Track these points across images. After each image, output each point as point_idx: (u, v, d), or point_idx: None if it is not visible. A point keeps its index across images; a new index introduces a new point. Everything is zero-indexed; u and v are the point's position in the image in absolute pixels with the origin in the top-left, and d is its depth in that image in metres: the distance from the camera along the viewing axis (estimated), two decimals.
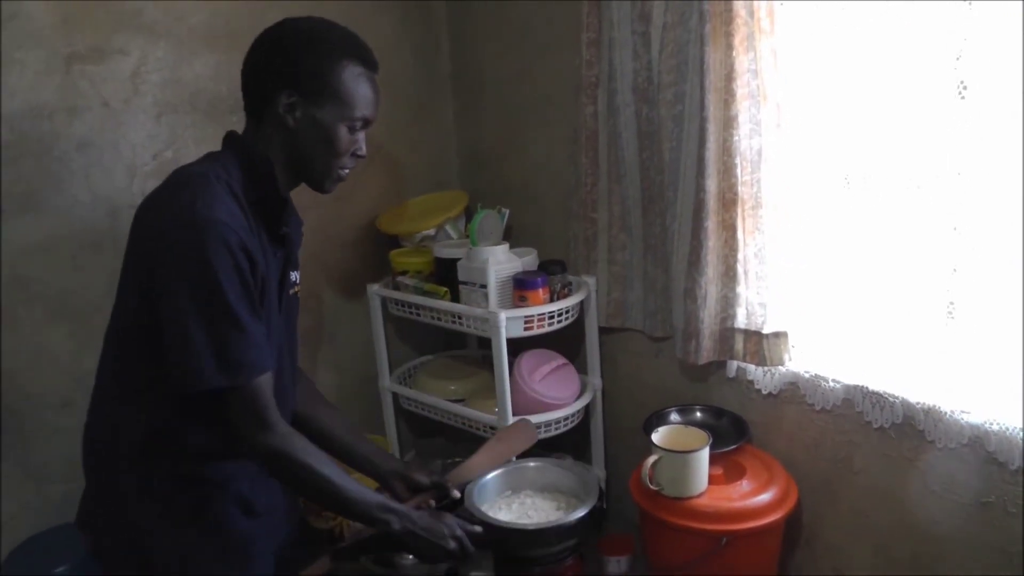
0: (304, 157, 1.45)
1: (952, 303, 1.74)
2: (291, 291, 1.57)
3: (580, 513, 1.76)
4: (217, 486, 1.46)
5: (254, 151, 1.45)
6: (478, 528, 1.61)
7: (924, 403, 1.75)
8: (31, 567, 1.99)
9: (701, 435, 1.93)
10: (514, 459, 1.94)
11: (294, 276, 1.58)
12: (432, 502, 1.70)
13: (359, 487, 1.47)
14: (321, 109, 1.42)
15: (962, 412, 1.69)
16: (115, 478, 1.45)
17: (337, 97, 1.42)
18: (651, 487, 1.91)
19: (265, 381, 1.36)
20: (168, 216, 1.32)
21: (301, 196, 1.57)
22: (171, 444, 1.41)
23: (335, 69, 1.42)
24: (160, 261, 1.31)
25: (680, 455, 1.88)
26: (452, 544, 1.52)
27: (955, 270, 1.72)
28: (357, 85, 1.45)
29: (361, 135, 1.49)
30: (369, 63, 1.48)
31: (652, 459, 1.91)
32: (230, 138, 1.50)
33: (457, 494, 1.74)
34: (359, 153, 1.50)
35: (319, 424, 1.71)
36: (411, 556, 1.59)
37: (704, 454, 1.89)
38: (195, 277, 1.28)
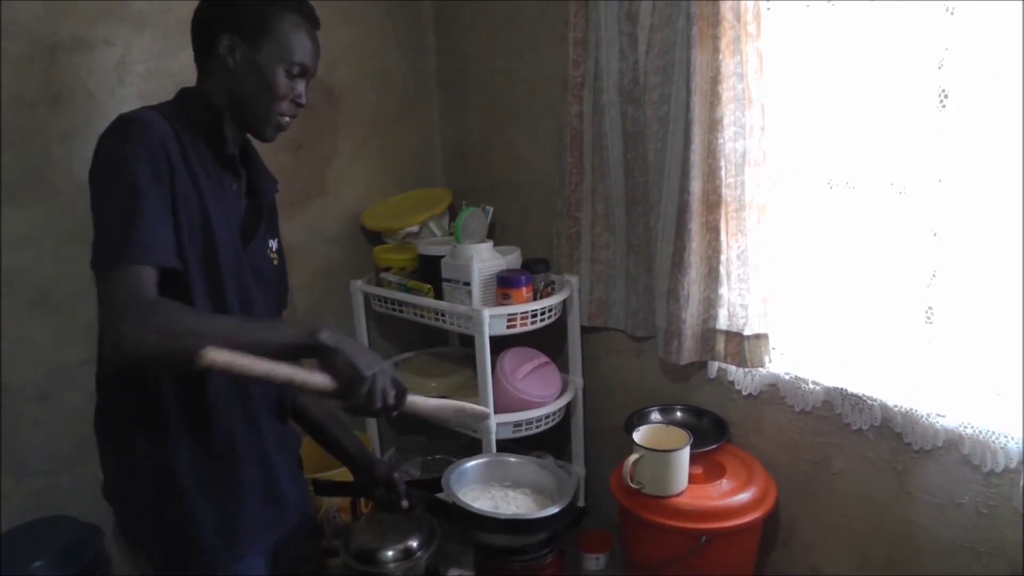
0: (244, 99, 1.48)
1: (931, 308, 1.76)
2: (267, 252, 1.59)
3: (557, 508, 1.76)
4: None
5: (190, 90, 1.50)
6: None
7: (901, 406, 1.77)
8: (12, 559, 1.98)
9: (682, 435, 1.95)
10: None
11: (272, 244, 1.61)
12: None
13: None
14: (260, 52, 1.45)
15: (937, 415, 1.71)
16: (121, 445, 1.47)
17: (275, 41, 1.46)
18: (632, 485, 1.93)
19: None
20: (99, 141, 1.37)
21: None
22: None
23: (275, 14, 1.47)
24: (90, 172, 1.33)
25: (661, 454, 1.90)
26: (369, 375, 1.31)
27: (934, 275, 1.74)
28: (296, 32, 1.48)
29: (301, 84, 1.51)
30: (310, 17, 1.52)
31: (633, 457, 1.92)
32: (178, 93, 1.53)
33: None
34: (299, 101, 1.52)
35: (309, 412, 1.78)
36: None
37: (684, 453, 1.91)
38: (107, 163, 1.31)
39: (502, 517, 1.76)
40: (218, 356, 1.19)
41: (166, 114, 1.41)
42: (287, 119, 1.53)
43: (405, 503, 1.88)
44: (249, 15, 1.45)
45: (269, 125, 1.51)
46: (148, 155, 1.31)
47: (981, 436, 1.64)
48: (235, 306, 1.47)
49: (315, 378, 1.31)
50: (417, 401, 1.46)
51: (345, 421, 1.81)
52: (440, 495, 1.80)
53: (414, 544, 2.29)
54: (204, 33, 1.48)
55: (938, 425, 1.71)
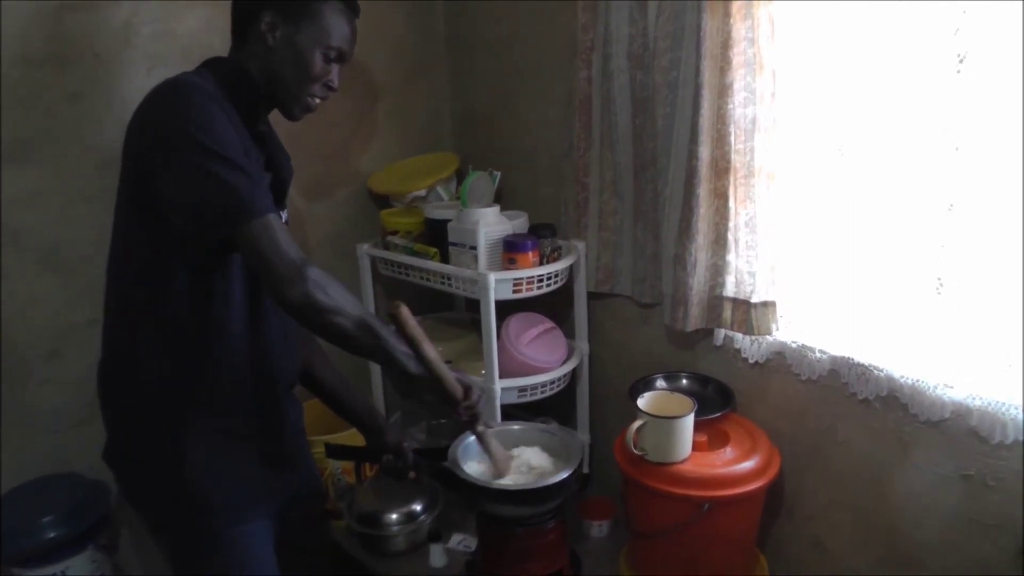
0: (279, 77, 1.51)
1: (940, 278, 1.74)
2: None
3: (562, 475, 1.76)
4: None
5: (227, 61, 1.53)
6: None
7: (908, 377, 1.76)
8: (20, 514, 2.01)
9: (686, 401, 1.94)
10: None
11: (284, 215, 1.62)
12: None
13: (379, 339, 1.46)
14: (300, 32, 1.49)
15: (945, 386, 1.70)
16: (143, 409, 1.50)
17: (316, 23, 1.49)
18: (635, 452, 1.92)
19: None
20: (150, 104, 1.39)
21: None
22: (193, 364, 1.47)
23: None
24: (154, 137, 1.35)
25: (665, 421, 1.89)
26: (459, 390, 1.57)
27: (944, 246, 1.71)
28: (336, 17, 1.52)
29: (335, 68, 1.55)
30: (351, 5, 1.56)
31: (637, 424, 1.91)
32: (203, 62, 1.54)
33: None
34: (331, 85, 1.56)
35: (322, 376, 1.82)
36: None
37: (688, 420, 1.90)
38: (195, 126, 1.32)
39: (506, 488, 1.75)
40: (407, 315, 1.50)
41: (210, 84, 1.43)
42: (317, 101, 1.56)
43: (412, 475, 1.92)
44: None
45: (299, 105, 1.55)
46: (225, 118, 1.36)
47: (990, 408, 1.63)
48: None
49: (453, 383, 1.55)
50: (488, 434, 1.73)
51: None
52: (446, 463, 1.80)
53: (417, 508, 2.33)
54: (247, 6, 1.50)
55: (945, 396, 1.69)
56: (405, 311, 1.50)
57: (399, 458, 1.87)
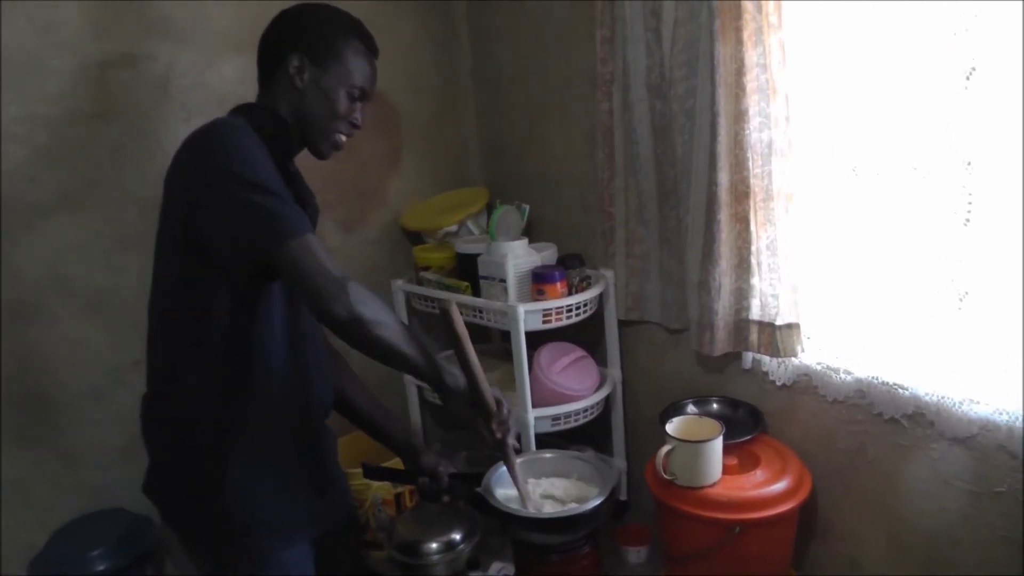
0: (307, 117, 1.59)
1: (963, 293, 1.74)
2: None
3: (593, 503, 1.76)
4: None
5: (258, 104, 1.61)
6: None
7: (933, 394, 1.76)
8: (71, 549, 2.08)
9: (715, 425, 1.95)
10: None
11: None
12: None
13: (421, 352, 1.50)
14: (326, 74, 1.57)
15: (971, 402, 1.69)
16: (193, 438, 1.54)
17: (341, 65, 1.58)
18: (665, 476, 1.94)
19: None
20: (188, 147, 1.46)
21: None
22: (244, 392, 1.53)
23: (341, 40, 1.60)
24: (194, 175, 1.42)
25: (692, 444, 1.91)
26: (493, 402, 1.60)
27: (962, 261, 1.72)
28: (359, 59, 1.61)
29: (359, 106, 1.63)
30: (371, 47, 1.65)
31: (666, 449, 1.93)
32: (234, 108, 1.62)
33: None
34: (356, 122, 1.64)
35: (355, 402, 1.87)
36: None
37: (717, 444, 1.91)
38: (232, 160, 1.39)
39: (537, 517, 1.75)
40: (456, 314, 1.56)
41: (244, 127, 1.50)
42: (343, 138, 1.64)
43: (446, 498, 1.94)
44: (320, 39, 1.57)
45: (327, 142, 1.63)
46: (261, 152, 1.44)
47: (1018, 423, 1.62)
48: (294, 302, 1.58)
49: (489, 392, 1.59)
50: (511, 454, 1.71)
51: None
52: (479, 489, 1.82)
53: (457, 537, 2.33)
54: (274, 51, 1.60)
55: (972, 413, 1.69)
56: (455, 310, 1.56)
57: (435, 481, 1.89)
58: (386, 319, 1.41)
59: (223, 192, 1.38)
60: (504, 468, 1.86)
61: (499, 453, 1.71)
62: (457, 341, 1.56)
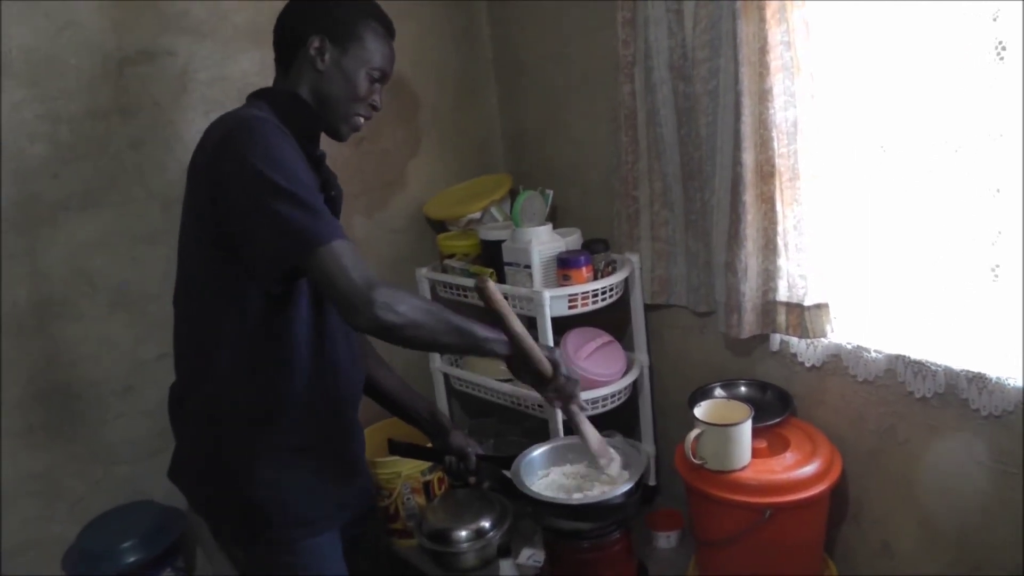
0: (327, 98, 1.59)
1: (997, 265, 1.70)
2: None
3: (625, 488, 1.74)
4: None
5: (280, 89, 1.61)
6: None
7: (968, 370, 1.72)
8: (103, 541, 2.10)
9: (743, 408, 1.93)
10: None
11: None
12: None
13: (461, 335, 1.50)
14: (347, 55, 1.58)
15: (1008, 378, 1.66)
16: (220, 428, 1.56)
17: (361, 46, 1.59)
18: (694, 461, 1.93)
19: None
20: (215, 143, 1.44)
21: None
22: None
23: (362, 23, 1.61)
24: (226, 175, 1.41)
25: (721, 428, 1.89)
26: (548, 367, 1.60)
27: (1000, 232, 1.68)
28: (378, 40, 1.62)
29: (378, 88, 1.64)
30: (389, 29, 1.66)
31: (695, 433, 1.92)
32: (253, 93, 1.63)
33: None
34: (375, 104, 1.65)
35: (382, 383, 1.89)
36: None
37: (746, 427, 1.89)
38: (262, 163, 1.38)
39: (565, 503, 1.75)
40: (493, 289, 1.56)
41: (269, 115, 1.51)
42: (362, 120, 1.65)
43: (472, 479, 1.93)
44: (340, 21, 1.58)
45: (346, 124, 1.63)
46: (291, 148, 1.45)
47: None
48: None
49: (542, 358, 1.58)
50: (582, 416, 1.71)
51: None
52: (507, 472, 1.82)
53: (486, 524, 2.35)
54: (294, 32, 1.60)
55: (1009, 386, 1.66)
56: (491, 285, 1.56)
57: (463, 461, 1.89)
58: (418, 317, 1.40)
59: (253, 198, 1.37)
60: (535, 453, 1.87)
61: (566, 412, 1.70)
62: (499, 316, 1.56)
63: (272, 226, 1.37)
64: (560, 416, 2.28)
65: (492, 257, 2.46)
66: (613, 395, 2.38)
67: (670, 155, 2.25)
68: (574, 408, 1.68)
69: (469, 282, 2.48)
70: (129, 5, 2.16)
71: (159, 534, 2.13)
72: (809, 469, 1.88)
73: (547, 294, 2.23)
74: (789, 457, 1.94)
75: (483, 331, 1.52)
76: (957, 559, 1.85)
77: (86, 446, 2.23)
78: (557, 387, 1.61)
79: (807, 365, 2.08)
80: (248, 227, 1.40)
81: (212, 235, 1.45)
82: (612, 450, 1.79)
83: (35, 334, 2.13)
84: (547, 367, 1.59)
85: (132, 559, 2.05)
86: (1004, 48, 1.60)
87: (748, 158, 1.94)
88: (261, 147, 1.40)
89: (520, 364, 1.59)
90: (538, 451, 1.92)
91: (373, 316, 1.34)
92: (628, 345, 2.55)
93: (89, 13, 2.11)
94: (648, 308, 2.49)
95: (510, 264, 2.38)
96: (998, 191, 1.67)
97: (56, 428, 2.18)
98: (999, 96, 1.62)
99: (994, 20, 1.61)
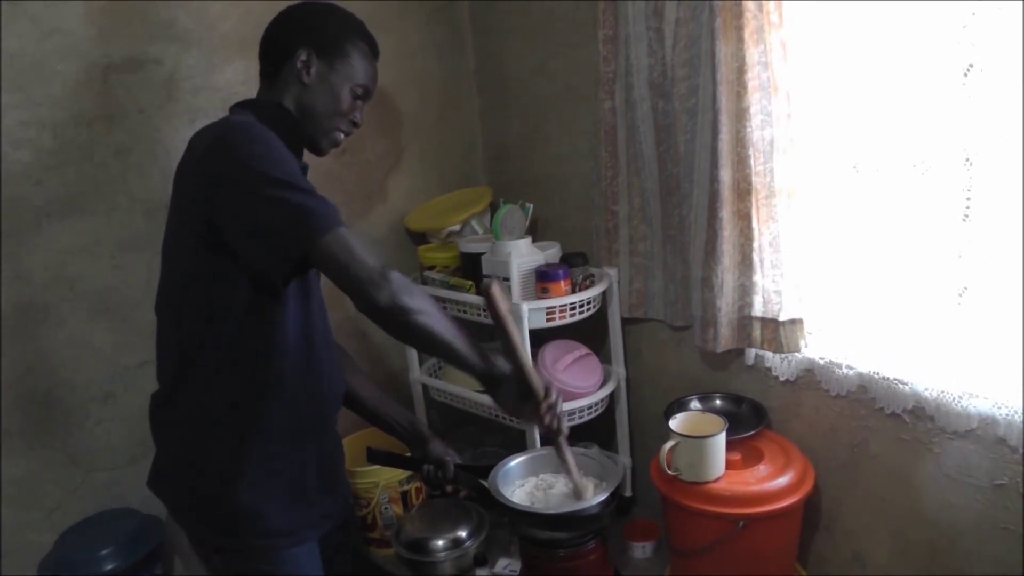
0: (311, 111, 1.61)
1: (963, 288, 1.75)
2: None
3: (597, 500, 1.75)
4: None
5: (265, 100, 1.62)
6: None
7: (932, 389, 1.77)
8: (80, 548, 2.10)
9: (718, 421, 1.97)
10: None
11: None
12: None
13: (465, 341, 1.50)
14: (332, 70, 1.60)
15: (970, 397, 1.71)
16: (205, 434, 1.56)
17: (348, 63, 1.62)
18: (669, 472, 1.96)
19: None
20: (205, 146, 1.45)
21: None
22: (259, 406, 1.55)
23: (349, 40, 1.63)
24: (218, 176, 1.41)
25: (696, 440, 1.92)
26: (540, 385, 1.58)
27: (960, 256, 1.73)
28: (363, 59, 1.65)
29: (360, 105, 1.66)
30: (374, 49, 1.69)
31: (669, 444, 1.95)
32: (237, 103, 1.64)
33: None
34: (356, 120, 1.67)
35: (359, 393, 1.88)
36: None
37: (720, 439, 1.93)
38: (255, 157, 1.40)
39: (541, 512, 1.76)
40: (498, 293, 1.52)
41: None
42: (342, 136, 1.66)
43: (449, 488, 1.94)
44: (328, 36, 1.61)
45: (327, 138, 1.65)
46: (286, 150, 1.46)
47: (1017, 416, 1.63)
48: (315, 296, 1.60)
49: (536, 376, 1.57)
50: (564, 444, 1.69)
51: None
52: (484, 482, 1.84)
53: (463, 534, 2.36)
54: (282, 44, 1.61)
55: (971, 408, 1.71)
56: (496, 289, 1.54)
57: (441, 469, 1.89)
58: (429, 308, 1.42)
59: (250, 191, 1.38)
60: (512, 463, 1.88)
61: (551, 440, 1.69)
62: (500, 322, 1.55)
63: (276, 215, 1.37)
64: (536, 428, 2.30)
65: (472, 269, 2.49)
66: (590, 407, 2.40)
67: (649, 171, 2.28)
68: (561, 441, 1.68)
69: (449, 294, 2.50)
70: (116, 13, 2.17)
71: (137, 542, 2.13)
72: (782, 481, 1.92)
73: (526, 307, 2.25)
74: (763, 469, 1.97)
75: (478, 349, 1.52)
76: (929, 569, 1.89)
77: (65, 452, 2.23)
78: (550, 406, 1.59)
79: (781, 379, 2.11)
80: (250, 220, 1.39)
81: (205, 237, 1.44)
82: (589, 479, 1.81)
83: (16, 339, 2.13)
84: (540, 385, 1.58)
85: (110, 567, 2.05)
86: (971, 67, 1.65)
87: (725, 175, 1.97)
88: (259, 144, 1.41)
89: (512, 384, 1.57)
90: (515, 461, 1.93)
91: (392, 293, 1.35)
92: (606, 358, 2.58)
93: (76, 20, 2.12)
94: (626, 321, 2.52)
95: (489, 276, 2.40)
96: (965, 215, 1.72)
97: (34, 434, 2.18)
98: (966, 121, 1.67)
99: (961, 44, 1.66)
